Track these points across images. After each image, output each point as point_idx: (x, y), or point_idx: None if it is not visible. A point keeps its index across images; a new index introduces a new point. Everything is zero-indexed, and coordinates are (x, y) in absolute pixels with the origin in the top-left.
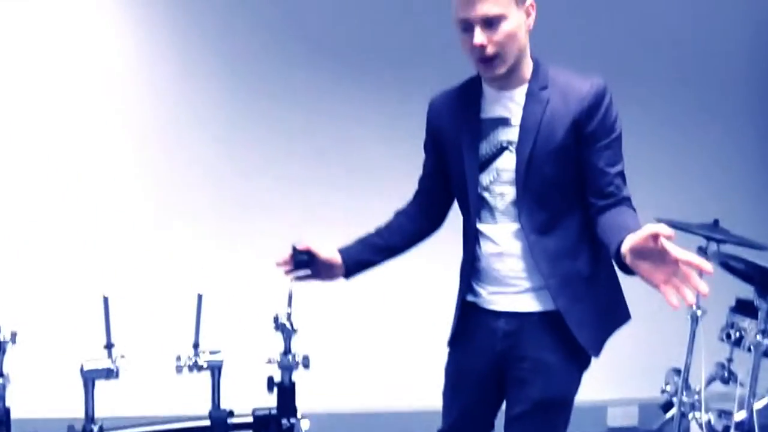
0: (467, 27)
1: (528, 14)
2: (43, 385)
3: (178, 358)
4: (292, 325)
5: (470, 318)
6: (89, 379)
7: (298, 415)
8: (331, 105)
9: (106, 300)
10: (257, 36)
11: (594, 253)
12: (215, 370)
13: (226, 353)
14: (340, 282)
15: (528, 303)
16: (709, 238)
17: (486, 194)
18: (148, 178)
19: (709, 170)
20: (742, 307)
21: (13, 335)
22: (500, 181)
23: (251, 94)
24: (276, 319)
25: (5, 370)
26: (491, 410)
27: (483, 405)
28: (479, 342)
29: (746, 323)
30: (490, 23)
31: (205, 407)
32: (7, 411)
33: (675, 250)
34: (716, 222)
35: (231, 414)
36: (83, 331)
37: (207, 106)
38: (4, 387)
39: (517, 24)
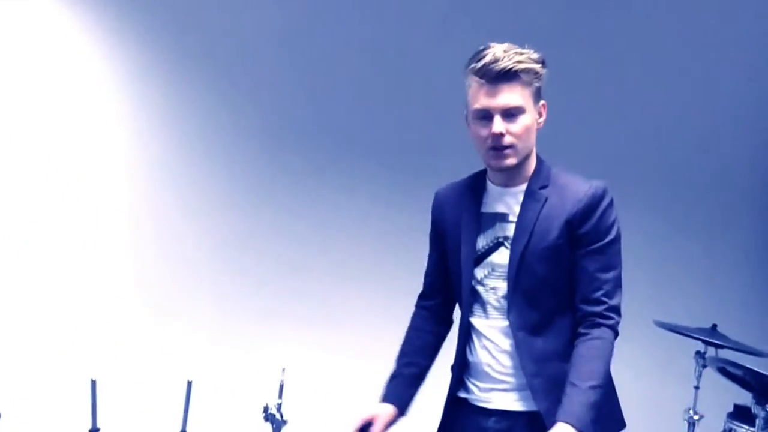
0: (486, 116)
1: (540, 114)
2: None
3: None
4: (282, 416)
5: (459, 415)
6: None
7: None
8: (339, 217)
9: (93, 383)
10: (264, 143)
11: None
12: None
13: None
14: (331, 371)
15: (518, 402)
16: (707, 343)
17: (479, 288)
18: (144, 270)
19: (708, 275)
20: (740, 414)
21: None
22: (494, 275)
23: (254, 197)
24: (266, 409)
25: None
26: None
27: None
28: None
29: (744, 430)
30: (511, 114)
31: None
32: None
33: None
34: (714, 327)
35: None
36: (68, 415)
37: (204, 209)
38: None
39: (533, 120)
